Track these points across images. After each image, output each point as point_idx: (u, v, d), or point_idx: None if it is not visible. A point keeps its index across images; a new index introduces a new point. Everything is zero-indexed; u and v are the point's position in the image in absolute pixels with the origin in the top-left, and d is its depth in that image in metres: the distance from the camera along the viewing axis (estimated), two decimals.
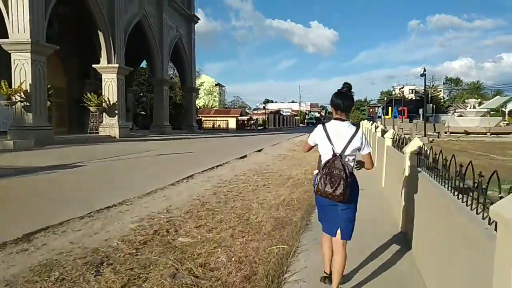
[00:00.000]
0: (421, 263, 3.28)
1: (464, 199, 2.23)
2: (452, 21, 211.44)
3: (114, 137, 21.70)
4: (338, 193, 2.49)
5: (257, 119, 51.23)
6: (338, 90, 2.79)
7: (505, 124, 31.10)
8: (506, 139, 21.24)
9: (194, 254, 3.72)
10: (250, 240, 4.17)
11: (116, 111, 22.13)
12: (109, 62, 21.93)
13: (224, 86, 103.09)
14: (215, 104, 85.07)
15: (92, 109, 21.77)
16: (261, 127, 50.65)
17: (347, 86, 2.77)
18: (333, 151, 2.62)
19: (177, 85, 66.81)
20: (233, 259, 3.63)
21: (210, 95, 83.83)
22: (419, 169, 3.78)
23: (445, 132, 21.42)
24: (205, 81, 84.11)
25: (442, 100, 74.00)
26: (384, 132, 8.77)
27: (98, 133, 21.92)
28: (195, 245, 3.99)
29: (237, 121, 55.13)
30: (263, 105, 57.37)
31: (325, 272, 3.01)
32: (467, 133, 25.70)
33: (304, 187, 7.47)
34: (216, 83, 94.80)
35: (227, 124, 54.71)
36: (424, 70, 17.94)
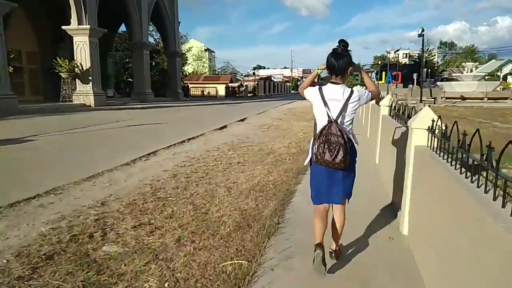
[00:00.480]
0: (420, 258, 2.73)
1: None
2: None
3: (89, 106, 20.20)
4: (338, 160, 2.37)
5: (246, 86, 49.47)
6: (333, 49, 2.54)
7: (501, 89, 30.09)
8: (505, 105, 20.25)
9: (114, 275, 2.62)
10: (200, 248, 3.07)
11: (90, 78, 20.45)
12: (79, 23, 19.97)
13: (214, 52, 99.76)
14: (204, 71, 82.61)
15: (63, 75, 20.07)
16: (251, 94, 48.99)
17: (343, 44, 2.51)
18: (329, 116, 2.47)
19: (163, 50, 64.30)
20: (166, 284, 2.53)
21: (199, 61, 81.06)
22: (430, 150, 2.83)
23: (442, 98, 20.29)
24: (193, 46, 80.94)
25: (436, 65, 72.35)
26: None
27: (71, 101, 20.37)
28: (123, 258, 2.88)
29: (227, 88, 53.43)
30: (253, 71, 55.13)
31: (316, 245, 2.54)
32: (463, 98, 24.65)
33: (285, 164, 6.36)
34: (206, 48, 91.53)
35: (216, 92, 53.04)
36: (422, 30, 16.49)
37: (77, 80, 20.58)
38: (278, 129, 11.17)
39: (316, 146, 2.44)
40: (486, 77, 33.16)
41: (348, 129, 2.52)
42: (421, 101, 17.26)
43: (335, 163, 2.37)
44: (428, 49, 72.60)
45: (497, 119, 13.51)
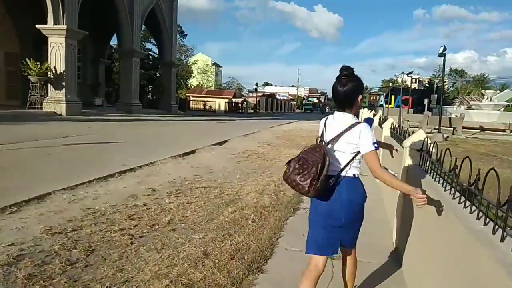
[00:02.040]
0: None
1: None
2: (458, 12, 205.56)
3: (60, 115, 17.80)
4: (304, 182, 1.99)
5: (247, 102, 47.25)
6: (336, 77, 2.20)
7: None
8: None
9: None
10: None
11: (64, 83, 18.15)
12: (56, 22, 17.81)
13: (221, 66, 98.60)
14: (209, 84, 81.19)
15: (32, 79, 17.79)
16: (252, 111, 46.71)
17: (347, 71, 2.14)
18: (322, 136, 2.23)
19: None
20: None
21: (203, 74, 79.68)
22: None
23: (463, 128, 17.68)
24: (199, 59, 79.76)
25: (448, 91, 69.92)
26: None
27: (41, 108, 18.02)
28: None
29: (230, 103, 51.32)
30: (255, 87, 52.99)
31: None
32: (482, 129, 22.00)
33: (242, 233, 3.81)
34: (213, 62, 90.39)
35: (217, 106, 50.96)
36: (444, 49, 14.07)
37: (49, 85, 18.29)
38: (260, 159, 8.61)
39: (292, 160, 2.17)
40: (503, 108, 30.52)
41: (338, 162, 2.13)
42: (439, 130, 14.68)
43: (298, 183, 2.01)
44: (439, 74, 70.37)
45: None
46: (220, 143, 10.84)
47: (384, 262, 3.27)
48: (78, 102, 19.64)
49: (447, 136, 15.62)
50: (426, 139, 3.02)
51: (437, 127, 17.67)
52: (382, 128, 6.86)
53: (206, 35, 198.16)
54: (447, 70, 79.05)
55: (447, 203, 2.05)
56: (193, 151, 8.93)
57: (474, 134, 19.91)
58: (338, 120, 2.16)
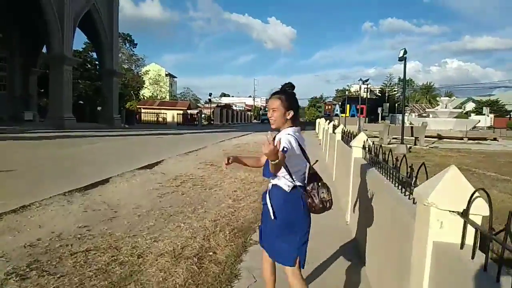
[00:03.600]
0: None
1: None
2: (402, 25, 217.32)
3: None
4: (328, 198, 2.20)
5: (200, 113, 44.95)
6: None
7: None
8: (495, 148, 16.98)
9: None
10: None
11: None
12: None
13: (176, 77, 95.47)
14: (164, 96, 77.96)
15: None
16: (206, 123, 44.44)
17: (287, 86, 2.28)
18: (308, 164, 2.26)
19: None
20: None
21: (156, 85, 76.31)
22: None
23: (436, 137, 16.63)
24: (151, 69, 76.39)
25: (399, 100, 71.88)
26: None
27: None
28: None
29: (184, 114, 48.75)
30: (209, 97, 50.79)
31: None
32: (440, 137, 21.46)
33: None
34: (167, 73, 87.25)
35: (168, 118, 48.26)
36: (405, 53, 12.93)
37: None
38: (196, 188, 6.54)
39: (315, 188, 2.19)
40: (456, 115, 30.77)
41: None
42: (402, 141, 13.45)
43: (327, 200, 2.17)
44: (390, 83, 72.42)
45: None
46: (150, 166, 8.62)
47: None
48: None
49: (410, 147, 14.45)
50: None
51: (397, 136, 16.60)
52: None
53: (161, 46, 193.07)
54: (395, 80, 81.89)
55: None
56: (104, 181, 6.66)
57: (433, 143, 19.15)
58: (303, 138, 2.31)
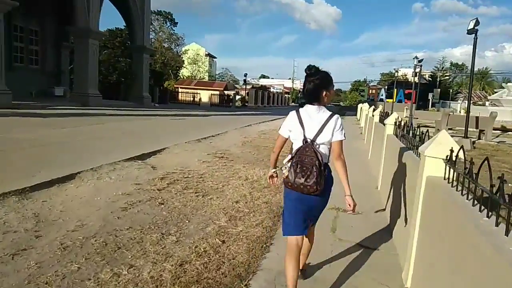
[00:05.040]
0: None
1: None
2: (457, 6, 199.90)
3: None
4: (310, 182, 2.19)
5: (234, 95, 43.27)
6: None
7: None
8: None
9: None
10: None
11: None
12: None
13: (215, 57, 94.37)
14: (202, 76, 77.36)
15: None
16: (240, 105, 42.76)
17: (310, 70, 2.37)
18: (304, 136, 2.29)
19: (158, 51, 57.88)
20: None
21: (194, 65, 75.59)
22: None
23: (500, 130, 13.69)
24: (190, 49, 75.54)
25: (451, 86, 65.96)
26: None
27: None
28: None
29: (221, 95, 47.42)
30: (244, 78, 48.87)
31: None
32: (504, 130, 18.23)
33: None
34: (207, 53, 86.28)
35: (206, 99, 47.01)
36: (477, 23, 10.23)
37: None
38: (187, 193, 4.77)
39: (289, 167, 2.29)
40: None
41: (327, 154, 2.34)
42: (466, 135, 10.88)
43: (307, 185, 2.20)
44: (443, 67, 66.44)
45: None
46: (144, 156, 6.97)
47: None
48: (6, 92, 15.63)
49: (474, 142, 11.80)
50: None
51: (457, 127, 13.89)
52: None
53: (203, 27, 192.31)
54: (447, 64, 75.12)
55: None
56: (65, 179, 5.02)
57: (497, 136, 16.13)
58: (313, 114, 2.32)
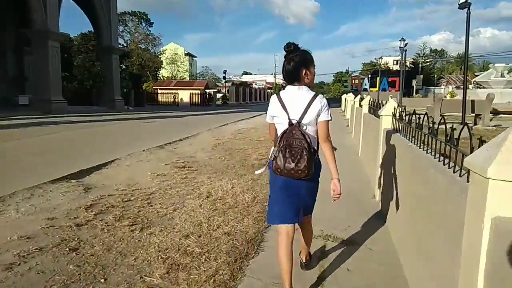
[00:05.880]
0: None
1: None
2: None
3: None
4: (301, 166, 2.06)
5: (214, 93, 41.84)
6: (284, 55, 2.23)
7: None
8: None
9: None
10: None
11: None
12: None
13: (195, 57, 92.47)
14: (182, 76, 75.62)
15: None
16: (221, 103, 41.35)
17: (287, 48, 2.21)
18: (289, 119, 2.16)
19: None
20: None
21: (172, 65, 73.71)
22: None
23: (491, 113, 12.73)
24: (167, 49, 73.60)
25: (434, 71, 65.79)
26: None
27: None
28: None
29: (202, 94, 45.84)
30: (224, 75, 47.34)
31: None
32: (496, 112, 17.32)
33: None
34: (186, 52, 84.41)
35: (187, 99, 45.32)
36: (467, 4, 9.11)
37: None
38: (97, 245, 3.43)
39: (275, 152, 2.15)
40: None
41: (314, 135, 2.21)
42: (463, 121, 9.83)
43: (298, 169, 2.07)
44: (424, 53, 66.30)
45: None
46: (83, 173, 5.55)
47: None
48: None
49: (471, 128, 10.75)
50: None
51: (452, 113, 12.85)
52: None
53: (181, 26, 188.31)
54: (426, 50, 74.78)
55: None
56: None
57: (491, 120, 15.17)
58: (296, 95, 2.19)
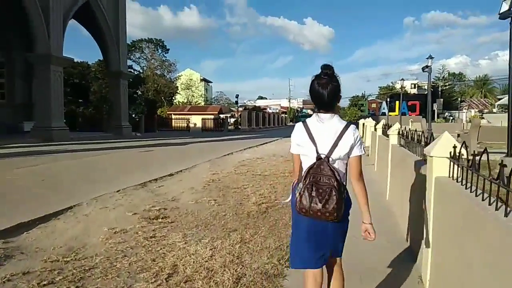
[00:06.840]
0: None
1: None
2: (447, 18, 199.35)
3: None
4: (330, 208, 1.80)
5: (226, 118, 40.92)
6: (316, 76, 1.98)
7: None
8: None
9: None
10: None
11: None
12: None
13: (211, 82, 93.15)
14: (197, 101, 76.04)
15: None
16: (233, 128, 40.32)
17: (329, 70, 1.97)
18: (317, 152, 1.94)
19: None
20: None
21: (187, 90, 74.25)
22: None
23: None
24: (183, 74, 74.41)
25: (452, 95, 63.66)
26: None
27: None
28: None
29: (216, 119, 44.64)
30: (236, 99, 46.56)
31: None
32: None
33: None
34: (202, 78, 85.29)
35: (196, 124, 44.64)
36: None
37: None
38: None
39: (301, 189, 1.88)
40: None
41: (342, 173, 1.97)
42: (509, 153, 8.15)
43: (325, 211, 1.81)
44: (443, 76, 64.36)
45: None
46: (21, 229, 4.19)
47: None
48: None
49: None
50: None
51: (487, 142, 11.11)
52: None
53: (199, 53, 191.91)
54: (445, 73, 72.57)
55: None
56: None
57: None
58: (326, 124, 1.99)
